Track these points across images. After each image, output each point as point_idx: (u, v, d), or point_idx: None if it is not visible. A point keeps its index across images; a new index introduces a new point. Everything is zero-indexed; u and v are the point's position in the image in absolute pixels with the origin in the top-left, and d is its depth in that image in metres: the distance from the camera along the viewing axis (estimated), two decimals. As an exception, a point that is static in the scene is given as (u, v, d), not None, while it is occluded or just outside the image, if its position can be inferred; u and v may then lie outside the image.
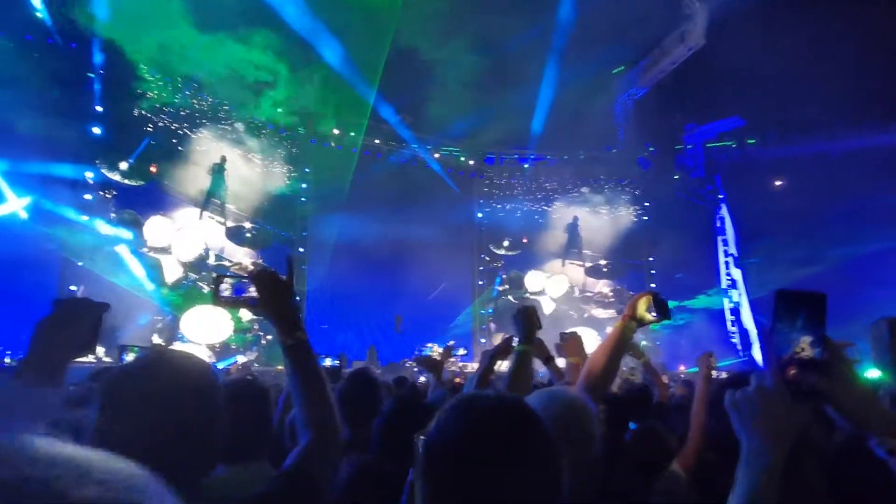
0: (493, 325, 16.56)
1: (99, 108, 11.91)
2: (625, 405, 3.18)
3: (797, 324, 1.02)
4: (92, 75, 11.78)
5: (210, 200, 13.23)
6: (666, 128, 16.63)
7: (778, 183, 16.59)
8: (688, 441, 2.18)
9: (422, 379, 6.06)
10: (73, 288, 11.01)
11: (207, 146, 13.27)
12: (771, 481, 0.94)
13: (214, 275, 1.50)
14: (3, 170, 10.59)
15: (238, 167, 13.59)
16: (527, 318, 2.15)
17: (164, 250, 12.39)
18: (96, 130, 11.88)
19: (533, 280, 16.69)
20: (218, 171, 13.18)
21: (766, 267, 15.75)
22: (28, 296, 9.87)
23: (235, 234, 13.22)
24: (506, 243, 17.14)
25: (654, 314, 1.87)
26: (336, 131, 15.57)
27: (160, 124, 12.92)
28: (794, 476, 1.08)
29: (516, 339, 2.19)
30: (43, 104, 10.32)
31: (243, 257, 13.54)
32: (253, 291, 1.38)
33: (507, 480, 0.83)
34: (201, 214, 13.10)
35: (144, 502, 0.39)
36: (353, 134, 15.57)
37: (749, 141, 16.64)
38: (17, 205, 10.71)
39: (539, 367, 3.18)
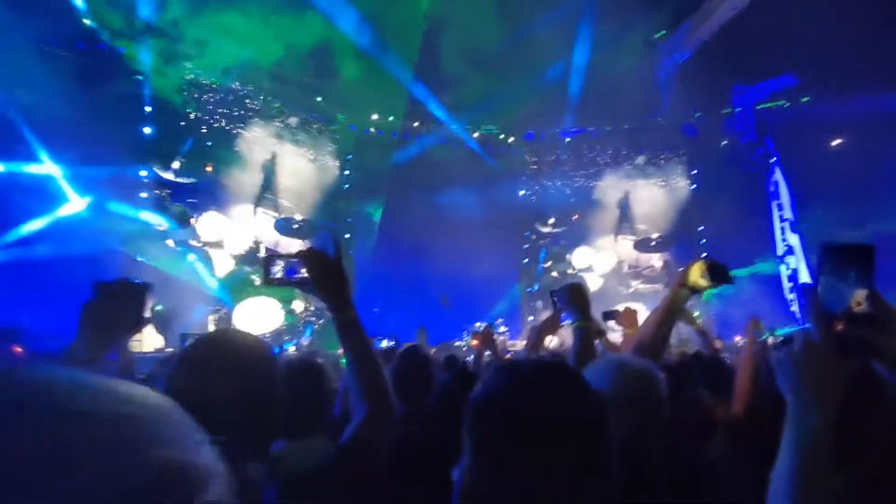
0: (539, 303, 16.48)
1: (148, 109, 12.32)
2: (681, 373, 3.16)
3: (849, 277, 0.99)
4: (140, 77, 12.18)
5: (263, 196, 13.59)
6: (713, 92, 15.97)
7: (835, 142, 15.75)
8: (733, 407, 2.16)
9: (469, 358, 6.11)
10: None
11: (259, 143, 13.64)
12: (820, 440, 0.91)
13: (264, 256, 1.53)
14: (65, 174, 11.13)
15: (288, 162, 13.90)
16: (578, 294, 2.15)
17: (217, 244, 12.81)
18: (147, 130, 12.31)
19: (580, 256, 16.46)
20: (269, 167, 13.53)
21: (825, 230, 15.05)
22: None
23: (283, 227, 13.54)
24: (551, 220, 16.91)
25: (709, 281, 1.83)
26: (375, 116, 15.66)
27: (215, 125, 13.33)
28: (861, 432, 1.05)
29: (568, 318, 2.18)
30: (97, 108, 10.76)
31: (296, 248, 13.82)
32: (304, 272, 1.41)
33: (551, 437, 0.84)
34: (255, 210, 13.48)
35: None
36: (391, 118, 15.63)
37: (803, 99, 15.82)
38: (79, 205, 11.26)
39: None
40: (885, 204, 13.98)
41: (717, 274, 1.83)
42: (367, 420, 1.32)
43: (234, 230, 13.01)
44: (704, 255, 14.84)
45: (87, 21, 11.56)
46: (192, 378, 1.09)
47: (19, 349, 9.65)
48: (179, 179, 12.64)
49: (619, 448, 1.16)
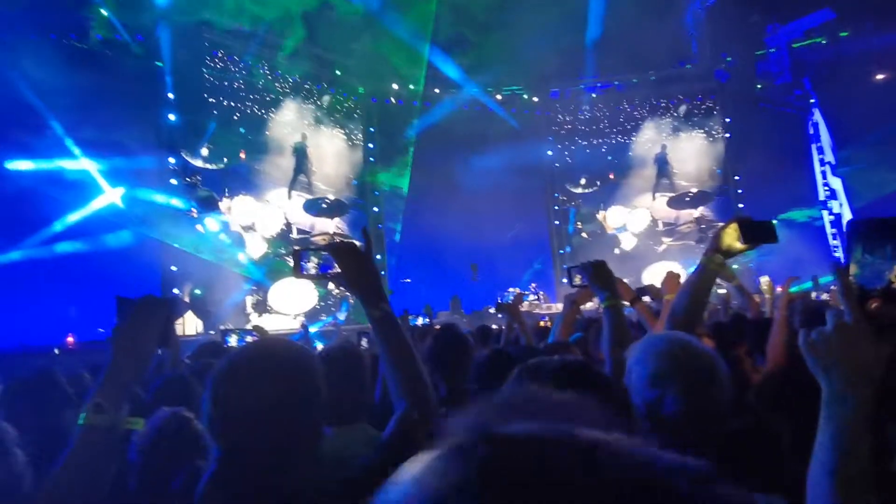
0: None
1: (171, 95, 12.40)
2: (722, 334, 3.09)
3: (886, 252, 0.92)
4: (160, 64, 12.22)
5: (297, 179, 13.70)
6: (744, 33, 15.26)
7: (879, 77, 14.95)
8: (767, 366, 2.10)
9: (493, 326, 6.05)
10: (173, 268, 11.85)
11: (290, 126, 13.72)
12: (858, 425, 0.84)
13: (294, 248, 1.53)
14: (98, 167, 11.35)
15: (318, 142, 13.99)
16: (601, 272, 2.09)
17: (250, 227, 12.99)
18: (171, 117, 12.42)
19: (614, 215, 16.19)
20: (300, 149, 13.60)
21: (871, 171, 14.44)
22: (135, 281, 10.84)
23: (312, 207, 13.63)
24: (582, 181, 16.58)
25: (744, 242, 1.72)
26: (395, 86, 15.49)
27: (248, 111, 13.42)
28: None
29: (600, 296, 2.12)
30: (121, 99, 10.88)
31: (329, 227, 13.94)
32: (336, 268, 1.39)
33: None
34: (290, 194, 13.62)
35: None
36: (412, 87, 15.44)
37: (842, 34, 15.00)
38: (113, 196, 11.50)
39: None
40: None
41: (754, 234, 1.71)
42: (407, 415, 1.30)
43: (265, 213, 13.16)
44: (741, 206, 14.33)
45: (103, 11, 11.60)
46: (238, 391, 1.12)
47: (71, 339, 10.09)
48: (209, 165, 12.79)
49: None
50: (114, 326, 1.34)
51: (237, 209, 12.87)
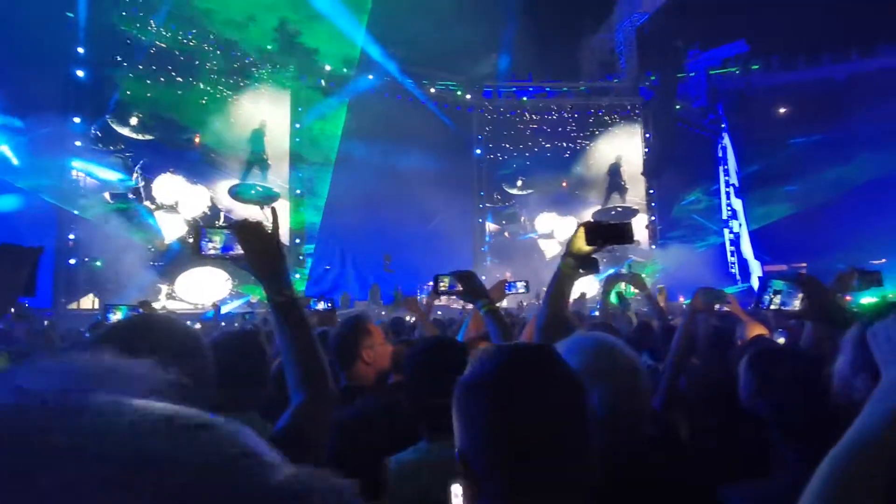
0: (488, 260, 16.67)
1: (81, 50, 11.46)
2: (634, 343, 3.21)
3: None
4: (71, 15, 11.27)
5: (252, 167, 13.16)
6: (668, 56, 16.09)
7: (782, 110, 16.21)
8: (661, 376, 2.17)
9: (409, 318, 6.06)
10: (71, 237, 11.00)
11: (248, 109, 13.38)
12: None
13: (195, 225, 1.42)
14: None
15: (273, 125, 13.68)
16: (471, 279, 2.12)
17: (172, 208, 12.29)
18: (80, 73, 11.49)
19: (543, 221, 16.62)
20: (257, 137, 13.14)
21: (767, 197, 15.63)
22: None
23: (239, 192, 13.12)
24: (519, 183, 16.91)
25: (589, 244, 1.78)
26: (327, 68, 15.10)
27: (217, 95, 12.89)
28: None
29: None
30: (23, 50, 9.95)
31: (250, 213, 13.48)
32: (239, 249, 1.30)
33: (530, 413, 0.86)
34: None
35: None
36: (345, 70, 15.10)
37: (753, 67, 16.15)
38: (6, 154, 10.51)
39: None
40: (823, 169, 14.54)
41: (600, 236, 1.76)
42: (305, 406, 1.24)
43: (189, 194, 12.49)
44: (653, 219, 15.01)
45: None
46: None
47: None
48: (135, 136, 11.96)
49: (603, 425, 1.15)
50: None
51: (160, 187, 12.14)
